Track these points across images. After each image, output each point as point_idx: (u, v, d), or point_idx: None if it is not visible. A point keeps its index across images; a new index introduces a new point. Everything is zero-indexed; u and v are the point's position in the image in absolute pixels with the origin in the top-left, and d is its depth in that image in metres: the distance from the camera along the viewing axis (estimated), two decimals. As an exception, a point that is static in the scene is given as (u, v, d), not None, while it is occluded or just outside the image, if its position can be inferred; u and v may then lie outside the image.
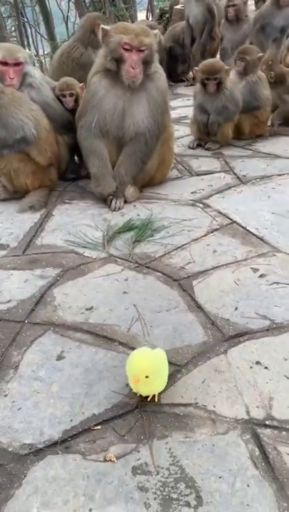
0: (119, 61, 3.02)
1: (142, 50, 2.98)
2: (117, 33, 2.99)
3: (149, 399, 1.73)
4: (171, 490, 1.42)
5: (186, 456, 1.52)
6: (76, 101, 3.59)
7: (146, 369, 1.68)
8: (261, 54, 4.27)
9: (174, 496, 1.41)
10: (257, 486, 1.43)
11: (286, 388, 1.76)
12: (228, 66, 4.15)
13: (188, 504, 1.38)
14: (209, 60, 4.39)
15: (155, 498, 1.40)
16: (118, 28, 3.03)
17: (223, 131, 4.23)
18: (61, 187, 3.66)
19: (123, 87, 3.11)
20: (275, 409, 1.68)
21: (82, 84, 3.64)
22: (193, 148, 4.30)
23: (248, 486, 1.43)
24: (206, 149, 4.25)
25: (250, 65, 4.19)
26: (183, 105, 4.60)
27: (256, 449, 1.54)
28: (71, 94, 3.57)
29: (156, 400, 1.72)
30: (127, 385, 1.77)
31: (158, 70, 3.25)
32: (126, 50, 2.98)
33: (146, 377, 1.67)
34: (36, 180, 3.40)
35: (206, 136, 4.33)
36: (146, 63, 3.06)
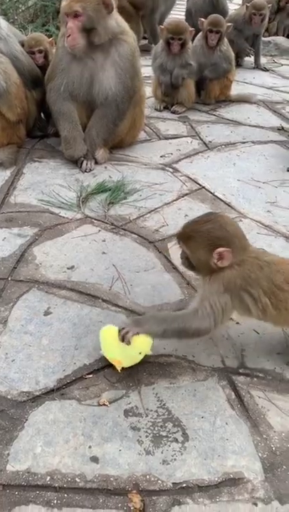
0: None
1: (77, 16, 2.89)
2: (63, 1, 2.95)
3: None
4: (160, 429, 1.61)
5: (172, 400, 1.71)
6: (46, 57, 3.51)
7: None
8: (229, 24, 4.37)
9: (164, 433, 1.60)
10: (234, 423, 1.64)
11: (255, 341, 1.98)
12: (191, 28, 4.20)
13: (176, 440, 1.58)
14: (174, 20, 4.46)
15: (147, 436, 1.59)
16: None
17: (188, 88, 4.31)
18: (29, 144, 3.62)
19: (87, 53, 3.06)
20: (246, 358, 1.90)
21: (51, 39, 3.56)
22: (159, 111, 4.35)
23: (226, 424, 1.64)
24: (173, 112, 4.31)
25: (222, 35, 4.28)
26: (147, 64, 4.57)
27: (232, 393, 1.75)
28: (40, 51, 3.49)
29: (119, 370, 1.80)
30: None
31: (122, 37, 3.13)
32: (67, 16, 2.93)
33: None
34: (5, 137, 3.36)
35: (171, 98, 4.38)
36: (88, 30, 2.93)
